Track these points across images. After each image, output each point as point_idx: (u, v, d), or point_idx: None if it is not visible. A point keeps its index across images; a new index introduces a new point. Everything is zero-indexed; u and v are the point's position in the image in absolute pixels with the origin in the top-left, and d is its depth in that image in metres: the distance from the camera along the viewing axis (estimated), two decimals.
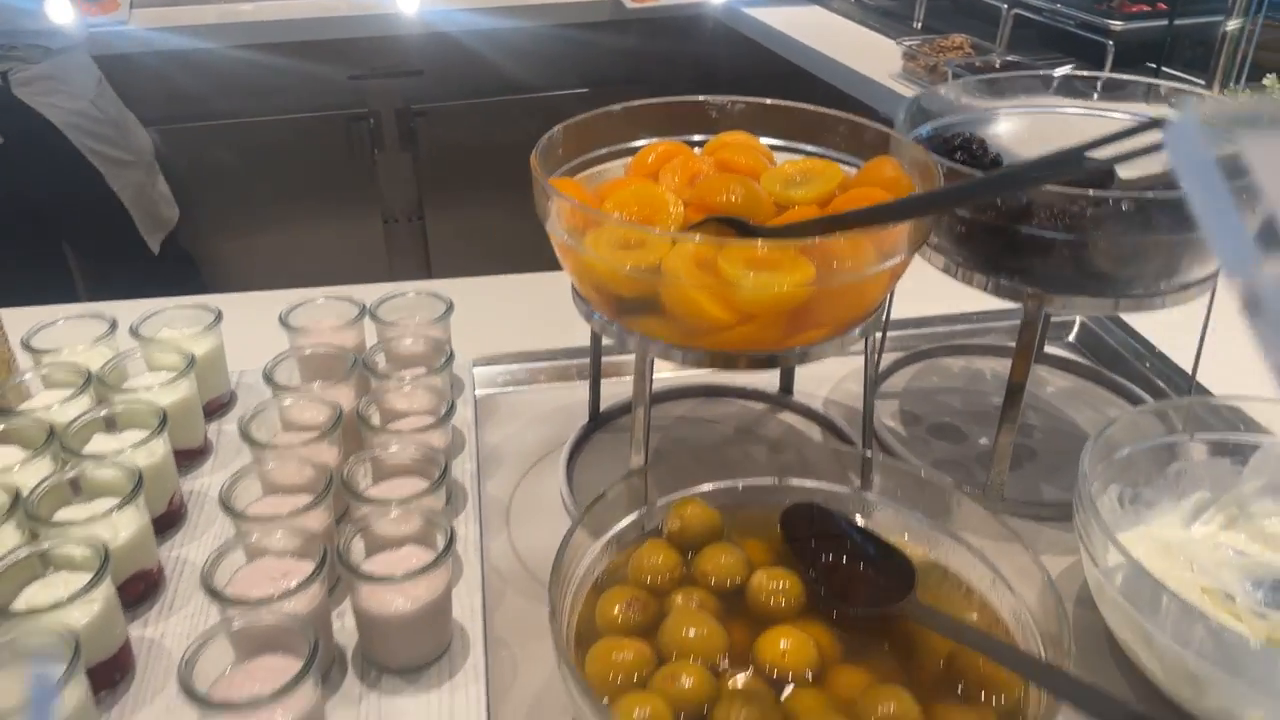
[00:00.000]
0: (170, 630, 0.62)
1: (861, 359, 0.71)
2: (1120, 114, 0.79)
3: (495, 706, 0.59)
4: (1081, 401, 0.89)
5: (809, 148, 0.75)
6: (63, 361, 0.73)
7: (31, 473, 0.62)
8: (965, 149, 0.74)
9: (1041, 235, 0.64)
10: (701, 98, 0.75)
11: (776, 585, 0.57)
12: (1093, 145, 0.53)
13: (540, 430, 0.84)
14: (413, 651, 0.58)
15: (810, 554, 0.60)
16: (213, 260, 2.35)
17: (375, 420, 0.69)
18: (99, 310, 0.80)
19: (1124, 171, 0.72)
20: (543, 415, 0.86)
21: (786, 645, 0.53)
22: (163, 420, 0.66)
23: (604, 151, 0.74)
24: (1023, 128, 0.82)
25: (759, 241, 0.58)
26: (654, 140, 0.74)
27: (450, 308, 0.80)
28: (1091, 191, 0.62)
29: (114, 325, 0.78)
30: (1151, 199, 0.62)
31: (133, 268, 1.94)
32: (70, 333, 0.77)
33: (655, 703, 0.49)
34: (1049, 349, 0.96)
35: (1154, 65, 1.70)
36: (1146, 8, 1.69)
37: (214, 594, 0.53)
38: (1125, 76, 0.81)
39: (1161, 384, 0.90)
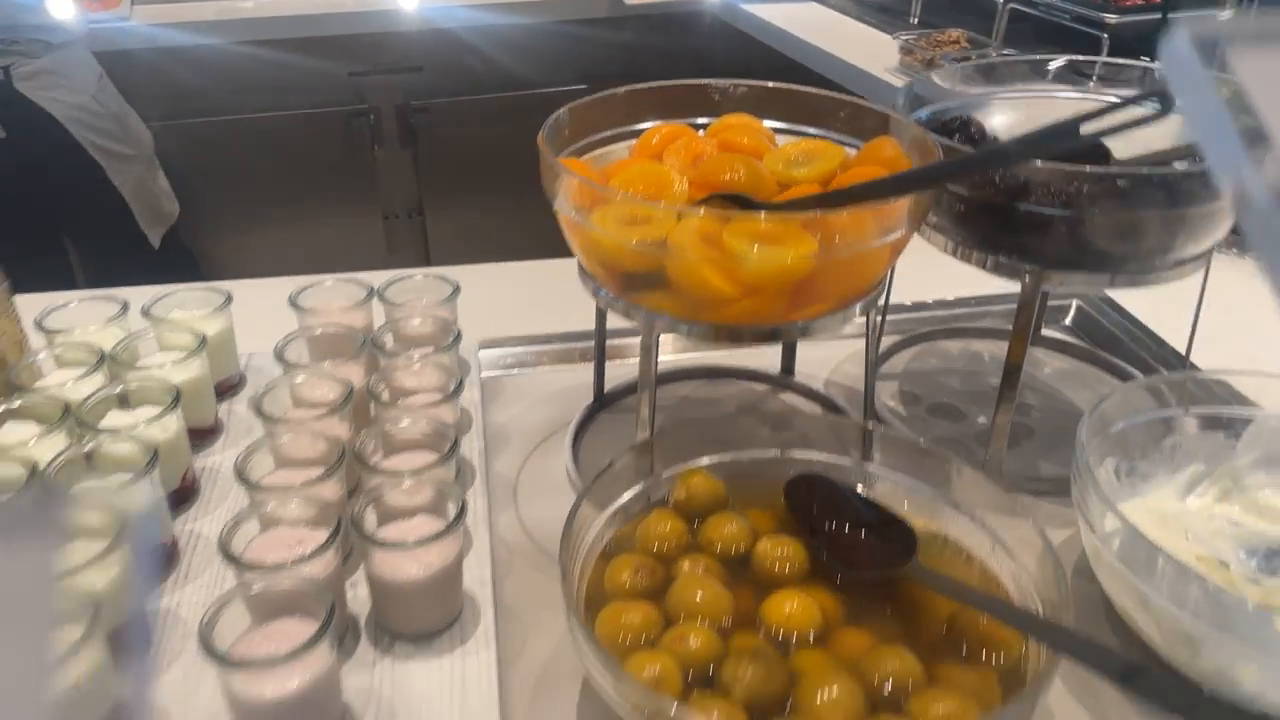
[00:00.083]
0: (186, 600, 0.63)
1: (860, 343, 0.72)
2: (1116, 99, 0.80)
3: (505, 673, 0.60)
4: (1078, 382, 0.91)
5: (810, 130, 0.76)
6: (76, 341, 0.74)
7: (48, 447, 0.63)
8: (962, 131, 0.75)
9: (1039, 212, 0.66)
10: (705, 81, 0.76)
11: (781, 552, 0.59)
12: (1089, 117, 0.54)
13: (545, 411, 0.85)
14: (425, 618, 0.60)
15: (814, 523, 0.61)
16: (212, 255, 2.36)
17: (385, 397, 0.70)
18: (110, 293, 0.81)
19: (1119, 151, 0.73)
20: (547, 396, 0.88)
21: (791, 608, 0.55)
22: (176, 396, 0.67)
23: (608, 134, 0.75)
24: (1018, 113, 0.84)
25: (762, 214, 0.59)
26: (658, 123, 0.75)
27: (456, 289, 0.81)
28: (1088, 168, 0.63)
29: (125, 307, 0.79)
30: (1147, 175, 0.64)
31: (133, 262, 1.95)
32: (82, 314, 0.78)
33: (665, 660, 0.50)
34: (1046, 332, 0.97)
35: (1149, 59, 1.72)
36: (1141, 1, 1.71)
37: (231, 559, 0.54)
38: (1120, 61, 0.82)
39: (1157, 366, 0.92)
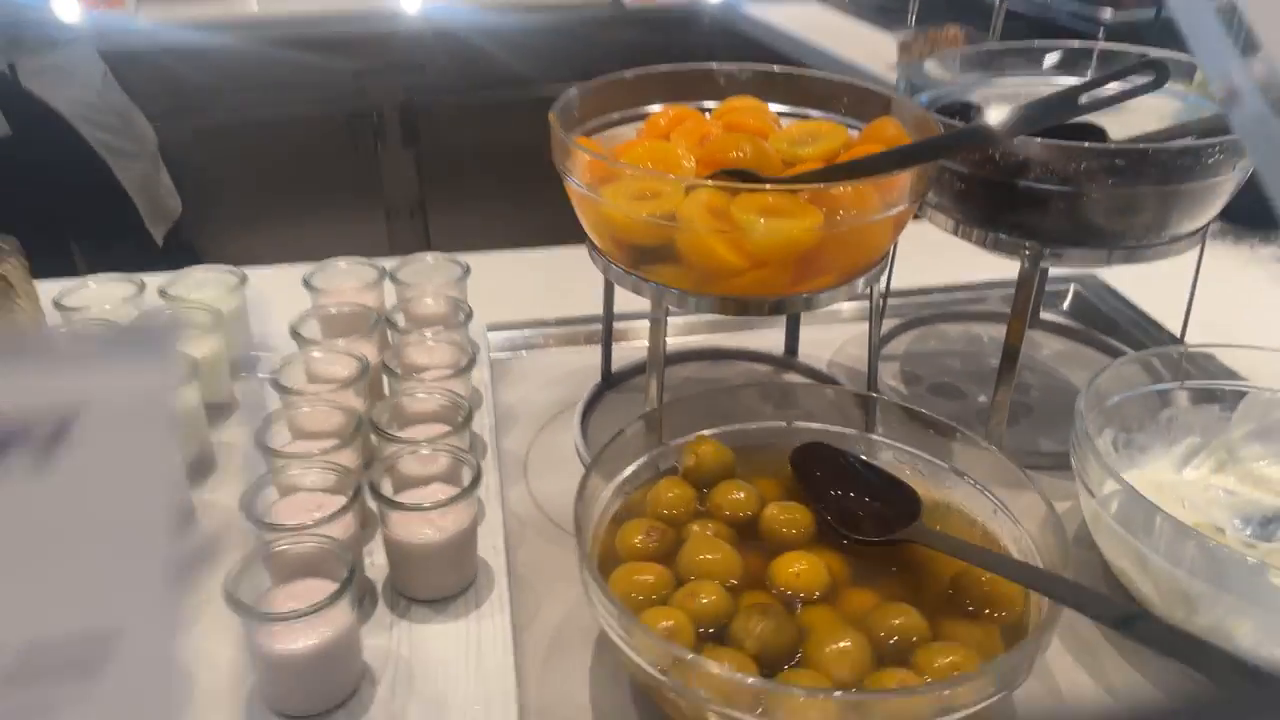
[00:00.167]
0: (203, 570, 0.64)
1: (861, 327, 0.74)
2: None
3: (519, 637, 0.61)
4: (1076, 363, 0.92)
5: (814, 113, 0.78)
6: (93, 318, 0.76)
7: None
8: (961, 116, 0.77)
9: (1038, 188, 0.67)
10: (711, 65, 0.78)
11: (789, 516, 0.60)
12: (1086, 87, 0.56)
13: (553, 391, 0.87)
14: (441, 582, 0.61)
15: (820, 490, 0.62)
16: (215, 253, 2.35)
17: (399, 373, 0.71)
18: (127, 275, 0.82)
19: (1115, 134, 0.75)
20: (555, 378, 0.89)
21: (799, 567, 0.56)
22: (194, 370, 0.69)
23: (616, 116, 0.77)
24: (1016, 101, 0.85)
25: (768, 185, 0.61)
26: (665, 106, 0.77)
27: (467, 270, 0.83)
28: (1086, 144, 0.65)
29: (143, 286, 0.80)
30: (1142, 150, 0.65)
31: (137, 258, 1.96)
32: (100, 293, 0.79)
33: (678, 615, 0.52)
34: (1044, 316, 0.99)
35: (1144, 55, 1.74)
36: None
37: (253, 518, 0.56)
38: (1117, 47, 0.84)
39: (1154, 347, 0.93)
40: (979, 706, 0.47)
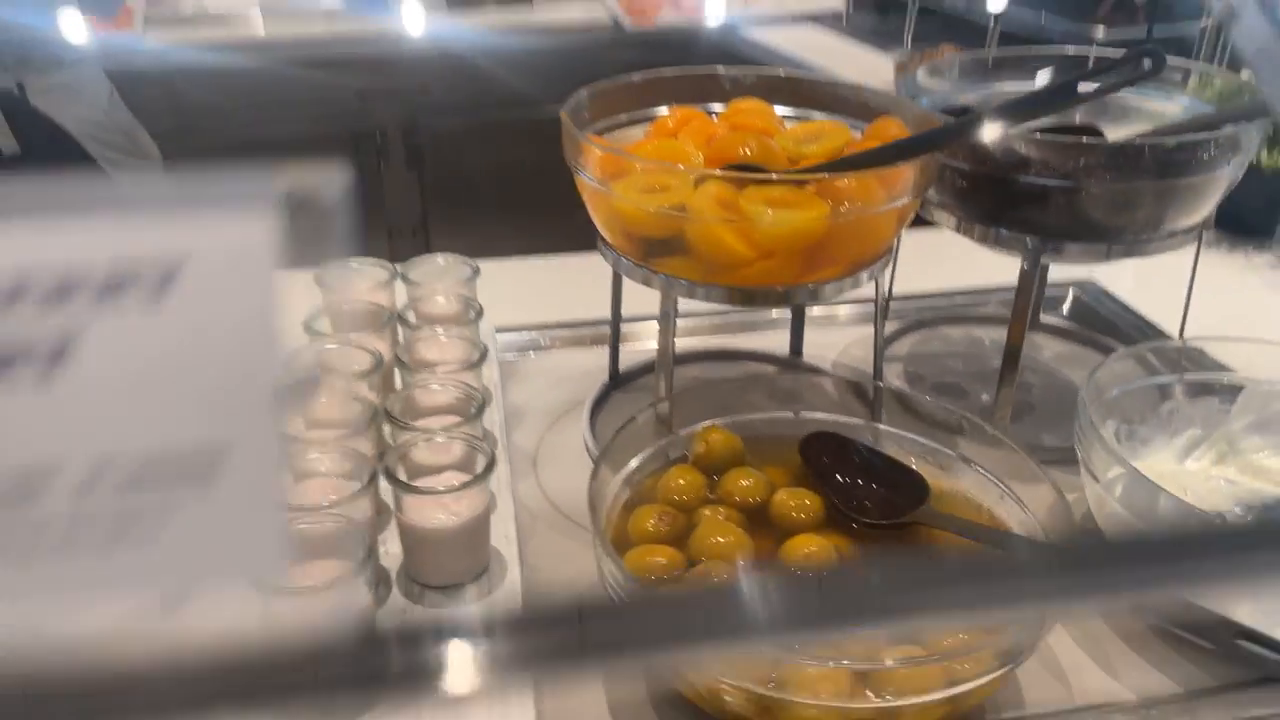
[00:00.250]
0: None
1: (865, 328, 0.75)
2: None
3: None
4: (1076, 363, 0.94)
5: (818, 115, 0.80)
6: None
7: None
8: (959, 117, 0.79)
9: (1038, 184, 0.69)
10: (717, 68, 0.80)
11: (798, 501, 0.61)
12: (1085, 75, 0.57)
13: (561, 390, 0.88)
14: (454, 567, 0.62)
15: (829, 477, 0.63)
16: None
17: (411, 366, 0.72)
18: None
19: (1114, 135, 0.77)
20: (563, 377, 0.90)
21: (810, 550, 0.57)
22: None
23: (624, 118, 0.79)
24: None
25: (774, 175, 0.62)
26: (673, 108, 0.79)
27: (476, 271, 0.84)
28: (1085, 139, 0.66)
29: None
30: (1140, 146, 0.67)
31: None
32: None
33: None
34: (1044, 319, 1.00)
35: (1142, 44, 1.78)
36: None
37: None
38: (1111, 55, 0.86)
39: None
40: (984, 680, 0.48)
